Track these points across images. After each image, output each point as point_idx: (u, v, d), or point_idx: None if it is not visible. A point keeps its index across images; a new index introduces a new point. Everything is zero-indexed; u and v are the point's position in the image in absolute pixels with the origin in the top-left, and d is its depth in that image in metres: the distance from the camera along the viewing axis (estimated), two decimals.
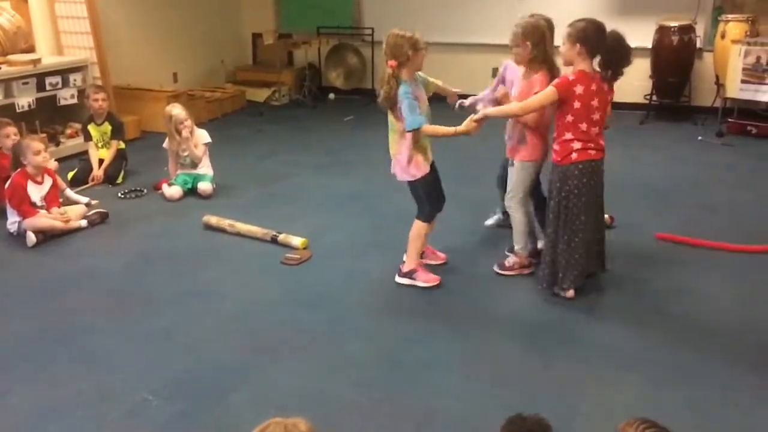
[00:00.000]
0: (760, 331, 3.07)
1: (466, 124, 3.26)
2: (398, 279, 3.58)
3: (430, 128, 3.32)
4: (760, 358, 2.87)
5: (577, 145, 3.17)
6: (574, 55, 3.15)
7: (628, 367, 2.81)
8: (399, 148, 3.39)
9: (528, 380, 2.75)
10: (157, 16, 7.36)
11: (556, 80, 3.18)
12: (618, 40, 3.24)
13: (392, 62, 3.23)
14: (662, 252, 3.89)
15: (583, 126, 3.15)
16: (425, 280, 3.54)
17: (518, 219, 3.60)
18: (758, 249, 3.85)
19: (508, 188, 3.60)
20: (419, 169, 3.41)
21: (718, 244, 3.91)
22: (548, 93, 3.14)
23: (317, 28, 8.19)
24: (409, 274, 3.55)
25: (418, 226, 3.53)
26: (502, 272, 3.64)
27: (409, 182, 3.47)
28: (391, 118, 3.37)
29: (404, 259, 3.59)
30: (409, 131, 3.27)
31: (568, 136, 3.18)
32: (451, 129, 3.30)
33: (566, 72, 3.24)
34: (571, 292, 3.34)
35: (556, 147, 3.25)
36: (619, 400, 2.62)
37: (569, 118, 3.16)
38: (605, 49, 3.18)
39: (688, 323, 3.15)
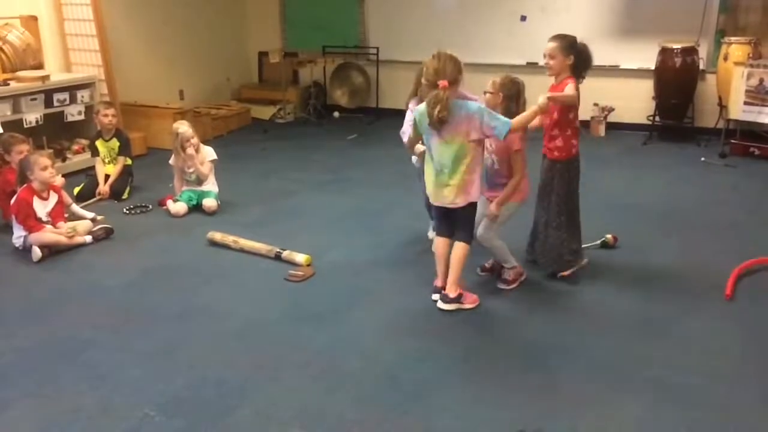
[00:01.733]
0: (762, 354, 3.06)
1: (541, 102, 3.31)
2: (445, 306, 3.44)
3: (518, 120, 3.31)
4: (762, 380, 2.86)
5: (575, 141, 3.61)
6: (567, 65, 3.51)
7: (628, 388, 2.81)
8: (471, 170, 3.31)
9: (528, 399, 2.74)
10: (164, 34, 7.45)
11: (568, 83, 3.51)
12: (586, 48, 3.59)
13: (445, 82, 3.16)
14: (663, 274, 3.89)
15: (576, 124, 3.62)
16: (471, 302, 3.49)
17: (497, 246, 3.65)
18: None
19: (486, 224, 3.59)
20: (479, 188, 3.44)
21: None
22: (575, 92, 3.49)
23: (323, 47, 8.27)
24: (458, 299, 3.46)
25: (466, 250, 3.44)
26: (508, 287, 3.67)
27: (468, 205, 3.39)
28: (455, 145, 3.26)
29: (435, 283, 3.56)
30: (506, 134, 3.25)
31: (569, 133, 3.57)
32: (531, 112, 3.34)
33: None
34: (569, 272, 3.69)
35: (559, 144, 3.58)
36: (619, 420, 2.61)
37: (571, 116, 3.56)
38: (582, 58, 3.56)
39: (689, 345, 3.14)
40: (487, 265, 3.86)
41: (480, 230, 3.60)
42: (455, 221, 3.46)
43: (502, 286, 3.69)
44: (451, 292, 3.44)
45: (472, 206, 3.42)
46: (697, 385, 2.83)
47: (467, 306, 3.47)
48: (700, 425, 2.58)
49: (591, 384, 2.84)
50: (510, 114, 3.39)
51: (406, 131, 3.69)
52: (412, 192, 3.45)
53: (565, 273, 3.73)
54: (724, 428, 2.57)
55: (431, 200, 3.49)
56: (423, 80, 3.30)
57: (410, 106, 3.75)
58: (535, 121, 3.49)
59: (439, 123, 3.21)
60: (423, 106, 3.31)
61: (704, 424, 2.59)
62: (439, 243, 3.54)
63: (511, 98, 3.50)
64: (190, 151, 4.98)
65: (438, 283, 3.55)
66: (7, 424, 2.63)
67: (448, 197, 3.36)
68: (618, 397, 2.76)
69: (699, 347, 3.12)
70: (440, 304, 3.46)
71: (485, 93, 3.56)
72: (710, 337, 3.20)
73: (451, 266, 3.45)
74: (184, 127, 5.04)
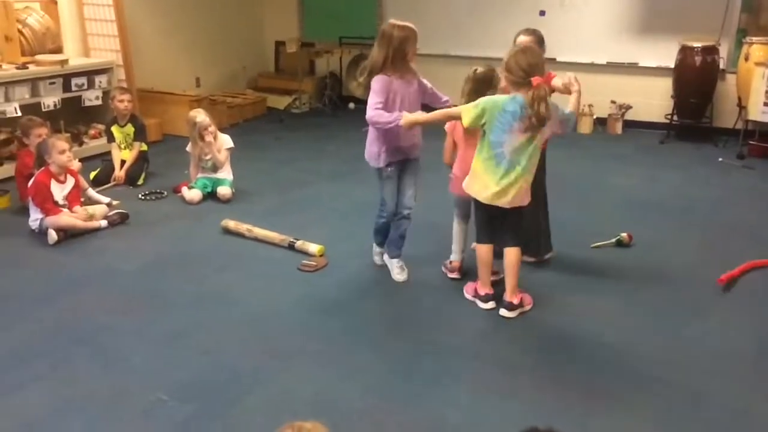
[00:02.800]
0: None
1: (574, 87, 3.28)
2: (509, 314, 3.33)
3: (575, 108, 3.28)
4: None
5: None
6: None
7: (640, 386, 2.80)
8: (534, 170, 3.26)
9: (538, 395, 2.74)
10: (182, 21, 7.46)
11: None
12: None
13: (539, 78, 3.03)
14: (678, 273, 3.87)
15: None
16: (529, 302, 3.43)
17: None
18: None
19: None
20: None
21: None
22: None
23: (339, 37, 8.25)
24: (520, 305, 3.37)
25: (520, 253, 3.37)
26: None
27: (522, 207, 3.32)
28: (533, 143, 3.15)
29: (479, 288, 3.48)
30: (573, 125, 3.26)
31: None
32: (574, 100, 3.29)
33: None
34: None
35: None
36: (630, 418, 2.60)
37: None
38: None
39: (703, 346, 3.13)
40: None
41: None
42: (504, 225, 3.33)
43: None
44: (515, 298, 3.34)
45: (523, 208, 3.33)
46: (710, 385, 2.81)
47: (527, 308, 3.40)
48: (713, 425, 2.57)
49: (602, 382, 2.83)
50: None
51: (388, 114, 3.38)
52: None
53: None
54: (737, 429, 2.56)
55: (489, 201, 3.24)
56: (507, 74, 3.13)
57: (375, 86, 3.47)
58: None
59: (542, 121, 3.06)
60: (501, 97, 3.16)
61: (717, 425, 2.57)
62: (483, 250, 3.41)
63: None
64: (209, 138, 4.99)
65: (485, 290, 3.42)
66: (20, 406, 2.66)
67: (514, 197, 3.21)
68: (630, 395, 2.75)
69: (712, 347, 3.10)
70: (505, 313, 3.33)
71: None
72: (723, 337, 3.18)
73: (508, 273, 3.34)
74: (201, 115, 5.04)
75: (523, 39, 3.59)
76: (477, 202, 3.36)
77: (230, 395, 2.72)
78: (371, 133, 3.54)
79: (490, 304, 3.40)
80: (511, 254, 3.33)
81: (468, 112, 3.16)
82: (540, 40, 3.59)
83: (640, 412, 2.64)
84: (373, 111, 3.36)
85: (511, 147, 3.14)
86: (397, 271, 3.73)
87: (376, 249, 3.91)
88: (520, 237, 3.36)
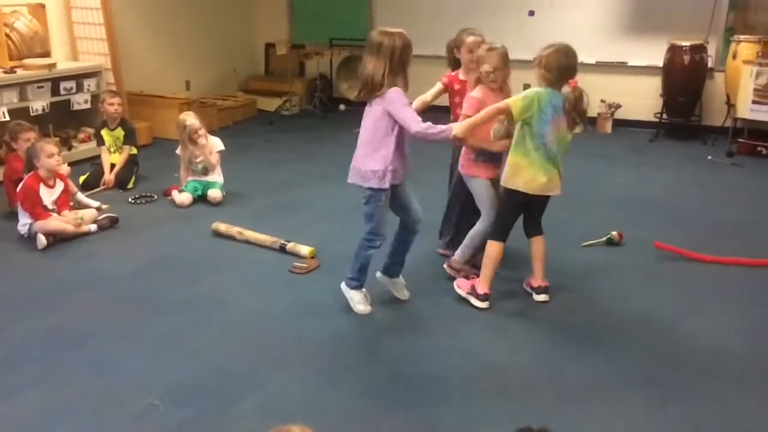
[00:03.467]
0: (766, 354, 3.05)
1: None
2: (545, 297, 3.50)
3: None
4: (765, 380, 2.85)
5: None
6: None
7: (635, 386, 2.80)
8: None
9: (533, 396, 2.74)
10: (171, 24, 7.44)
11: None
12: None
13: (576, 81, 3.26)
14: (669, 271, 3.89)
15: None
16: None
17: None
18: (753, 262, 3.92)
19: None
20: None
21: (711, 258, 3.96)
22: None
23: (330, 39, 8.25)
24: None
25: (545, 241, 3.56)
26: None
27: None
28: (566, 133, 3.31)
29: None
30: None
31: None
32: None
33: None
34: None
35: None
36: (625, 417, 2.61)
37: None
38: None
39: (696, 344, 3.14)
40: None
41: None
42: (532, 215, 3.47)
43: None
44: (546, 282, 3.53)
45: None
46: (702, 384, 2.82)
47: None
48: (705, 424, 2.58)
49: (596, 381, 2.84)
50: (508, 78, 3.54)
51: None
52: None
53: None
54: (729, 427, 2.57)
55: (539, 191, 3.32)
56: (544, 72, 3.21)
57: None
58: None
59: (583, 117, 3.29)
60: (545, 90, 3.22)
61: (709, 423, 2.58)
62: (497, 248, 3.42)
63: (509, 65, 3.53)
64: (203, 141, 4.99)
65: (485, 290, 3.45)
66: (11, 411, 2.64)
67: (557, 185, 3.36)
68: (624, 394, 2.75)
69: (704, 346, 3.11)
70: (543, 297, 3.49)
71: (488, 73, 3.44)
72: (714, 336, 3.20)
73: (540, 259, 3.50)
74: (191, 119, 5.03)
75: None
76: (512, 196, 3.38)
77: (222, 399, 2.71)
78: (373, 148, 3.16)
79: (486, 304, 3.42)
80: (540, 242, 3.50)
81: (517, 103, 3.21)
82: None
83: (636, 410, 2.65)
84: (422, 124, 3.06)
85: (551, 139, 3.27)
86: (404, 288, 3.57)
87: (358, 296, 3.42)
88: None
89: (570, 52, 3.24)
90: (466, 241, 3.68)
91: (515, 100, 3.23)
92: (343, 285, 3.46)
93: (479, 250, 3.59)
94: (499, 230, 3.46)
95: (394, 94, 3.07)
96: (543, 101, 3.21)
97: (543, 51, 3.24)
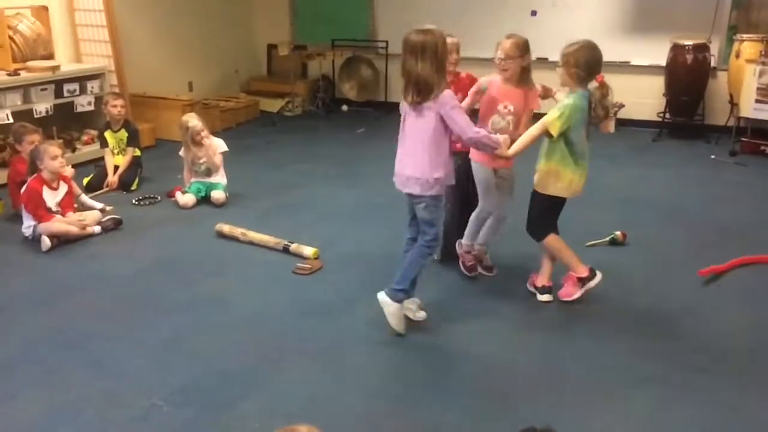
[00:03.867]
0: None
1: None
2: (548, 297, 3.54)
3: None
4: None
5: None
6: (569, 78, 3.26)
7: (638, 386, 2.80)
8: None
9: (537, 396, 2.74)
10: (173, 25, 7.45)
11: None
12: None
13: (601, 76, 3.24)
14: (672, 271, 3.88)
15: None
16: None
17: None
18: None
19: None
20: None
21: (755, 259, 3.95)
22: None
23: (332, 40, 8.26)
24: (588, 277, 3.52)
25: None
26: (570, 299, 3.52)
27: None
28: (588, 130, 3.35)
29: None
30: None
31: None
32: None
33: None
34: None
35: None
36: (628, 417, 2.61)
37: None
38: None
39: (699, 343, 3.13)
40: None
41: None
42: (557, 214, 3.50)
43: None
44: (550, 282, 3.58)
45: None
46: (705, 383, 2.82)
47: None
48: (709, 424, 2.58)
49: (600, 381, 2.84)
50: (526, 71, 3.47)
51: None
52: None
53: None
54: (733, 427, 2.56)
55: (574, 195, 3.38)
56: (576, 70, 3.19)
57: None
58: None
59: (607, 113, 3.29)
60: (577, 98, 3.22)
61: (713, 423, 2.58)
62: (558, 239, 3.48)
63: (527, 57, 3.46)
64: (207, 141, 5.00)
65: (542, 281, 3.56)
66: (14, 413, 2.65)
67: (584, 184, 3.41)
68: (627, 394, 2.75)
69: (707, 345, 3.11)
70: (546, 297, 3.52)
71: (504, 60, 3.42)
72: (719, 336, 3.19)
73: (551, 260, 3.54)
74: (194, 120, 5.04)
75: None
76: (553, 202, 3.40)
77: (225, 399, 2.71)
78: (436, 153, 3.02)
79: (592, 282, 3.46)
80: (556, 240, 3.50)
81: (555, 124, 3.20)
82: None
83: (639, 410, 2.65)
84: (476, 130, 3.03)
85: (583, 138, 3.33)
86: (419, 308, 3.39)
87: (399, 312, 3.17)
88: None
89: (596, 46, 3.24)
90: (468, 227, 3.74)
91: (552, 121, 3.20)
92: (383, 296, 3.17)
93: (479, 232, 3.70)
94: (548, 227, 3.47)
95: (448, 97, 2.96)
96: (577, 111, 3.22)
97: (568, 49, 3.22)
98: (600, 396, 2.74)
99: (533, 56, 3.52)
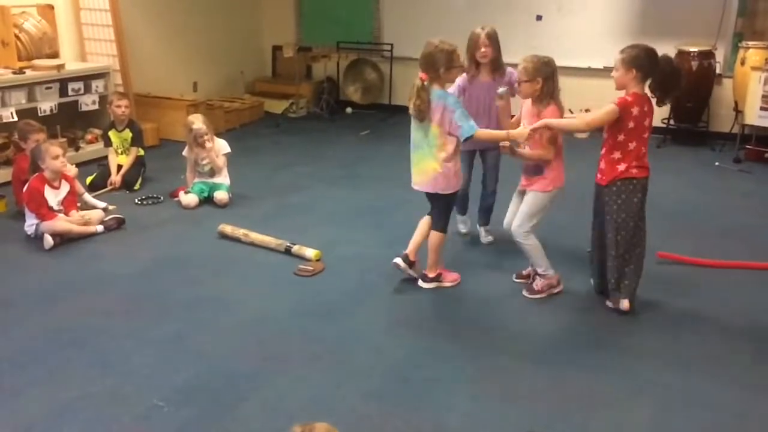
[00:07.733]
0: None
1: (521, 130, 3.31)
2: (423, 284, 3.66)
3: (485, 133, 3.39)
4: None
5: (622, 166, 3.29)
6: (629, 79, 3.26)
7: (639, 390, 2.79)
8: (443, 159, 3.40)
9: (537, 399, 2.73)
10: (179, 26, 7.46)
11: (617, 99, 3.27)
12: (671, 65, 3.40)
13: (424, 75, 3.29)
14: (675, 275, 3.87)
15: (632, 145, 3.27)
16: (451, 280, 3.70)
17: (531, 245, 3.52)
18: (760, 266, 3.94)
19: (517, 218, 3.51)
20: (459, 180, 3.51)
21: (717, 263, 3.97)
22: (610, 110, 3.24)
23: (337, 42, 8.26)
24: (436, 278, 3.66)
25: (439, 237, 3.61)
26: (533, 296, 3.57)
27: (442, 195, 3.50)
28: (428, 131, 3.38)
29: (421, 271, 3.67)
30: (466, 138, 3.30)
31: (617, 155, 3.29)
32: (503, 133, 3.38)
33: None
34: (626, 303, 3.37)
35: (602, 166, 3.35)
36: (630, 422, 2.60)
37: (620, 137, 3.26)
38: (658, 73, 3.29)
39: (701, 348, 3.12)
40: (524, 272, 3.75)
41: (514, 223, 3.52)
42: None
43: (526, 293, 3.58)
44: (430, 273, 3.69)
45: (449, 197, 3.57)
46: (708, 387, 2.81)
47: (447, 284, 3.69)
48: (712, 428, 2.57)
49: (601, 384, 2.83)
50: (551, 95, 3.39)
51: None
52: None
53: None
54: (735, 430, 2.56)
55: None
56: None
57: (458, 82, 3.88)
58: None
59: (419, 113, 3.43)
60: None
61: (716, 428, 2.57)
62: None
63: (548, 79, 3.38)
64: (210, 145, 5.00)
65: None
66: (17, 410, 2.65)
67: (428, 183, 3.57)
68: (629, 397, 2.74)
69: (710, 350, 3.10)
70: (420, 283, 3.68)
71: (519, 83, 3.45)
72: (722, 341, 3.18)
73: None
74: (198, 123, 5.03)
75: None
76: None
77: (227, 400, 2.71)
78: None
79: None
80: (431, 238, 3.68)
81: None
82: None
83: (641, 413, 2.64)
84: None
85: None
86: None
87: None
88: (441, 223, 3.67)
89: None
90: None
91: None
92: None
93: None
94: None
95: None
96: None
97: (630, 52, 3.28)
98: (602, 398, 2.72)
99: None
